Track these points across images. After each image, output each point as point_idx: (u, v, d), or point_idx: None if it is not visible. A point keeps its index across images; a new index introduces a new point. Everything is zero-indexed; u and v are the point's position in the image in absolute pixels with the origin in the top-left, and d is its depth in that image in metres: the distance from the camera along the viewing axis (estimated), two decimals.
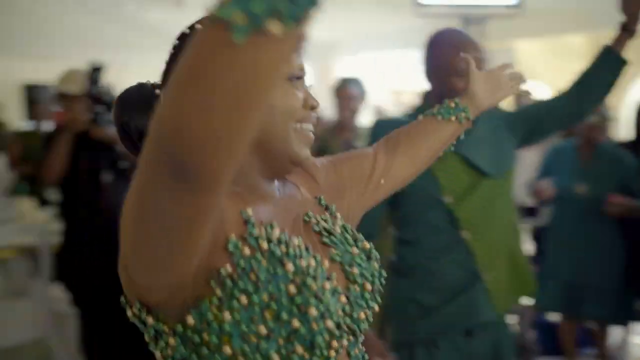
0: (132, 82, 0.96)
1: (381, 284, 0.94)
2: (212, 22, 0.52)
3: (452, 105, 1.20)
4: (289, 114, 0.87)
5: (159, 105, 0.60)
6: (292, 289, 0.79)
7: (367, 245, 0.97)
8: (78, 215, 2.87)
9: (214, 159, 0.59)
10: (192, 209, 0.65)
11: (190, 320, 0.79)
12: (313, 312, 0.80)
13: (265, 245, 0.81)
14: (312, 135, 0.92)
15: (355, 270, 0.91)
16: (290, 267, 0.80)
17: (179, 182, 0.62)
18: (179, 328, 0.80)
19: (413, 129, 1.20)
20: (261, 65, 0.54)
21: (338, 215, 1.00)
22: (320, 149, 3.15)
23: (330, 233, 0.94)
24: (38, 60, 5.40)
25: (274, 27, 0.52)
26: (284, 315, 0.79)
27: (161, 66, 0.91)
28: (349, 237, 0.96)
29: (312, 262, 0.84)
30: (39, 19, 5.60)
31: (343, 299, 0.87)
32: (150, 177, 0.64)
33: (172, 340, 0.81)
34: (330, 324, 0.81)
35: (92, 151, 2.80)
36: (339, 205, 1.04)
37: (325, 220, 0.96)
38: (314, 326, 0.80)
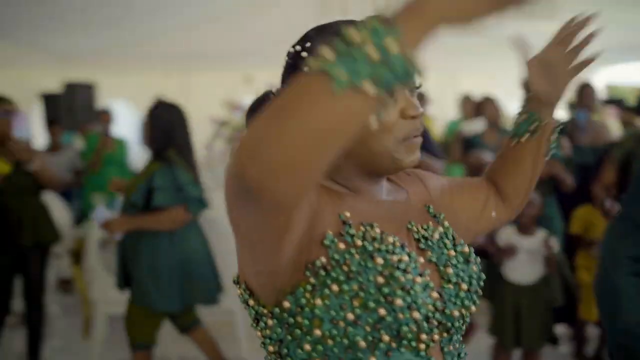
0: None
1: (479, 285, 0.96)
2: (316, 72, 0.63)
3: (522, 119, 1.10)
4: (384, 130, 0.90)
5: (245, 132, 0.68)
6: (380, 280, 0.84)
7: (467, 249, 0.99)
8: None
9: (283, 187, 0.67)
10: (269, 226, 0.75)
11: (286, 304, 0.87)
12: (399, 302, 0.84)
13: (359, 242, 0.87)
14: (416, 143, 0.94)
15: (450, 270, 0.94)
16: (379, 260, 0.86)
17: (254, 204, 0.71)
18: (277, 311, 0.88)
19: (499, 162, 1.16)
20: (347, 115, 0.64)
21: (445, 223, 1.02)
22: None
23: (427, 239, 0.97)
24: None
25: (369, 88, 0.62)
26: (371, 304, 0.84)
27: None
28: (447, 241, 0.98)
29: (405, 258, 0.87)
30: None
31: (435, 294, 0.89)
32: (233, 197, 0.75)
33: (270, 322, 0.90)
34: (417, 315, 0.85)
35: None
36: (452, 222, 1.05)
37: (426, 229, 0.98)
38: (400, 316, 0.84)
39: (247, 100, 4.80)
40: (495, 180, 1.15)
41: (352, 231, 0.88)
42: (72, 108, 7.27)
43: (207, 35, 7.11)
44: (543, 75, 1.04)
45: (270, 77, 5.61)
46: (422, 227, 0.98)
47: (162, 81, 8.80)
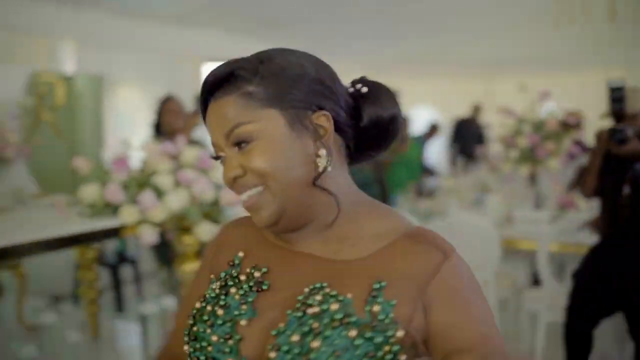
0: None
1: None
2: None
3: None
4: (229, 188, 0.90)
5: None
6: (191, 319, 0.89)
7: (317, 317, 0.81)
8: (596, 224, 3.19)
9: None
10: None
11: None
12: (196, 344, 0.85)
13: (216, 286, 0.90)
14: (246, 206, 0.88)
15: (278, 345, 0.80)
16: (200, 306, 0.89)
17: None
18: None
19: None
20: None
21: (378, 301, 0.81)
22: None
23: (305, 305, 0.83)
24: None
25: None
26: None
27: None
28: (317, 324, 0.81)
29: (219, 312, 0.86)
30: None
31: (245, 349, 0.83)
32: None
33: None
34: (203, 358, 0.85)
35: (616, 166, 2.89)
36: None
37: (332, 296, 0.82)
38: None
39: (520, 108, 4.98)
40: None
41: (231, 272, 0.91)
42: None
43: (496, 43, 7.34)
44: None
45: (543, 84, 5.69)
46: (324, 292, 0.83)
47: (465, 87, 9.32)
